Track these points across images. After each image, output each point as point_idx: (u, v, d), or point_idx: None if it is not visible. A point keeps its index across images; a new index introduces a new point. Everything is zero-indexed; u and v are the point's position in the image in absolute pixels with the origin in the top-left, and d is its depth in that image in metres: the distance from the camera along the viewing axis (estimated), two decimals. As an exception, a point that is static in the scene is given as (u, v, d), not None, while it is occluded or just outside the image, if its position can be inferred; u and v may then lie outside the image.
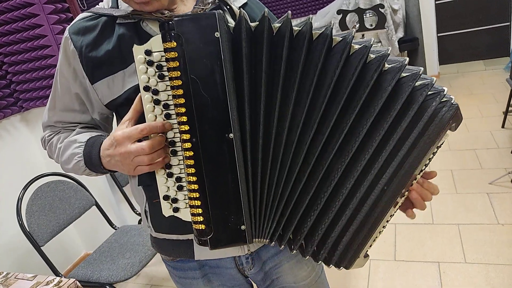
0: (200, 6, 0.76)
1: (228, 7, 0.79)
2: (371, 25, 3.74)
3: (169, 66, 0.62)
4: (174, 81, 0.62)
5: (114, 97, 0.75)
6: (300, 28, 0.62)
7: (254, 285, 0.99)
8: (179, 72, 0.61)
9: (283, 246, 0.72)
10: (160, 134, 0.65)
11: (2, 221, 2.10)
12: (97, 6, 0.79)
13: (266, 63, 0.63)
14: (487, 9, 4.62)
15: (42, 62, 2.05)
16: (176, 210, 0.69)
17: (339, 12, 3.76)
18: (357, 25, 3.78)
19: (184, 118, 0.63)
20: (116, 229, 2.18)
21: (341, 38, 0.61)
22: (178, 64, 0.61)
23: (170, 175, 0.68)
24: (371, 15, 3.74)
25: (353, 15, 3.82)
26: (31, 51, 2.04)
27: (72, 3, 2.11)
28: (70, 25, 0.77)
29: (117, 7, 0.76)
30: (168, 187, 0.69)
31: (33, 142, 2.35)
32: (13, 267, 2.14)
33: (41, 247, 1.82)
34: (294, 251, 0.71)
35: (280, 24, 0.62)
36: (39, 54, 2.02)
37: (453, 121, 0.61)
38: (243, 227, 0.68)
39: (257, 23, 0.63)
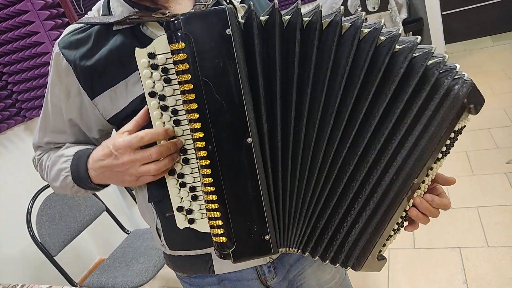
0: (201, 2, 0.70)
1: (227, 1, 0.74)
2: (374, 8, 3.65)
3: (178, 69, 0.57)
4: (185, 85, 0.57)
5: (118, 110, 0.70)
6: (310, 19, 0.58)
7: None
8: (189, 75, 0.56)
9: (307, 253, 0.67)
10: (167, 140, 0.60)
11: (13, 233, 2.08)
12: (86, 16, 0.74)
13: (280, 60, 0.58)
14: (492, -17, 4.48)
15: (41, 70, 2.02)
16: (191, 221, 0.65)
17: (339, -3, 3.68)
18: (359, 9, 3.69)
19: (198, 125, 0.58)
20: (128, 234, 2.16)
21: (350, 24, 0.56)
22: (188, 66, 0.56)
23: (183, 185, 0.63)
24: (373, -3, 3.65)
25: (355, -1, 3.73)
26: (29, 59, 2.01)
27: (68, 8, 2.07)
28: (59, 40, 0.71)
29: (110, 14, 0.70)
30: (182, 198, 0.64)
31: (39, 151, 2.31)
32: (27, 278, 2.13)
33: (54, 257, 1.80)
34: (317, 257, 0.67)
35: (290, 16, 0.57)
36: (38, 62, 1.99)
37: (469, 101, 0.57)
38: (267, 237, 0.63)
39: (267, 16, 0.58)
